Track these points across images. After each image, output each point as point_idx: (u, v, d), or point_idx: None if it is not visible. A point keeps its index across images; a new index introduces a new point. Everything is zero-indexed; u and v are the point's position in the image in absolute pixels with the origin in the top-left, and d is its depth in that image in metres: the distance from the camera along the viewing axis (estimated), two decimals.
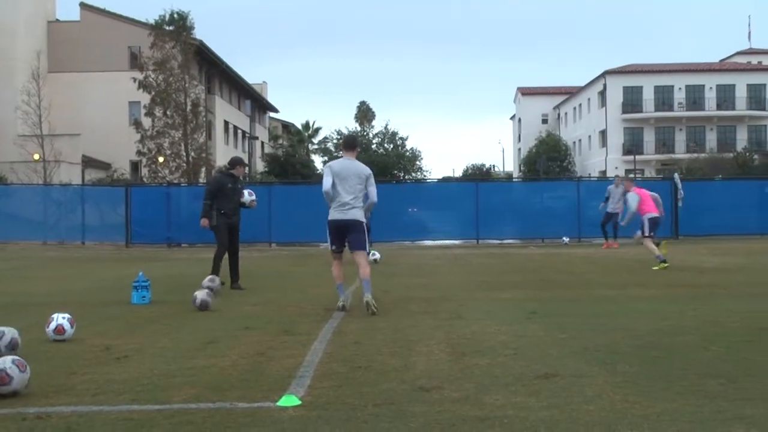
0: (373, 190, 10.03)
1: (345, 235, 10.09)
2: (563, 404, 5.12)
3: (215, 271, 12.79)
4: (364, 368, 6.35)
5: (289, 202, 28.87)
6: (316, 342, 7.59)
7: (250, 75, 76.10)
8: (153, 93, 42.62)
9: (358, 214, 9.97)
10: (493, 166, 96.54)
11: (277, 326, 8.67)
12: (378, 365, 6.48)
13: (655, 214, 15.95)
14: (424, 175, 67.17)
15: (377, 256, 18.49)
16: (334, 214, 9.99)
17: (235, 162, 13.90)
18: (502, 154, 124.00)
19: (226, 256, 13.28)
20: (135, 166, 49.03)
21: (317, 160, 69.23)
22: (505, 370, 6.22)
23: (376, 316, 9.32)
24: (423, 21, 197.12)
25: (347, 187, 9.93)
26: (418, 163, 69.14)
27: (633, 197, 15.99)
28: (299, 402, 5.21)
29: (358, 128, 75.09)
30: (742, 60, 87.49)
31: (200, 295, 10.27)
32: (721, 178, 40.79)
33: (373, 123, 77.75)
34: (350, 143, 10.68)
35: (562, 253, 21.75)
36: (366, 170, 10.11)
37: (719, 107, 75.77)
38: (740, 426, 4.61)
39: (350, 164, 10.17)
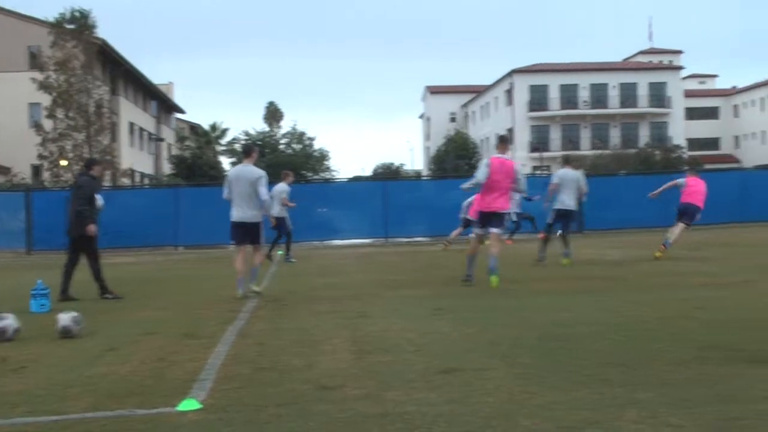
0: (262, 190, 11.24)
1: (245, 233, 11.52)
2: (464, 398, 5.17)
3: (101, 283, 12.01)
4: (268, 369, 6.31)
5: (197, 205, 28.46)
6: (220, 344, 7.50)
7: (155, 75, 74.84)
8: (54, 94, 41.37)
9: (251, 215, 11.37)
10: (402, 164, 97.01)
11: (180, 330, 8.54)
12: (281, 365, 6.45)
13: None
14: (332, 175, 67.06)
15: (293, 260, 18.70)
16: (233, 215, 11.49)
17: (91, 162, 13.16)
18: (411, 153, 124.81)
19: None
20: (36, 170, 47.59)
21: (225, 162, 68.44)
22: (408, 366, 6.25)
23: (283, 317, 9.31)
24: (331, 19, 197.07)
25: (240, 191, 11.30)
26: (326, 162, 69.02)
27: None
28: (200, 406, 5.15)
29: (267, 129, 74.56)
30: (644, 59, 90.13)
31: (63, 320, 8.36)
32: (625, 174, 41.87)
33: (282, 123, 77.37)
34: (245, 150, 12.23)
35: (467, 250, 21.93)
36: (256, 174, 11.32)
37: (622, 105, 77.75)
38: (633, 410, 4.76)
39: (244, 170, 11.50)
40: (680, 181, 17.49)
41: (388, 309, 9.81)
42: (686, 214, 16.91)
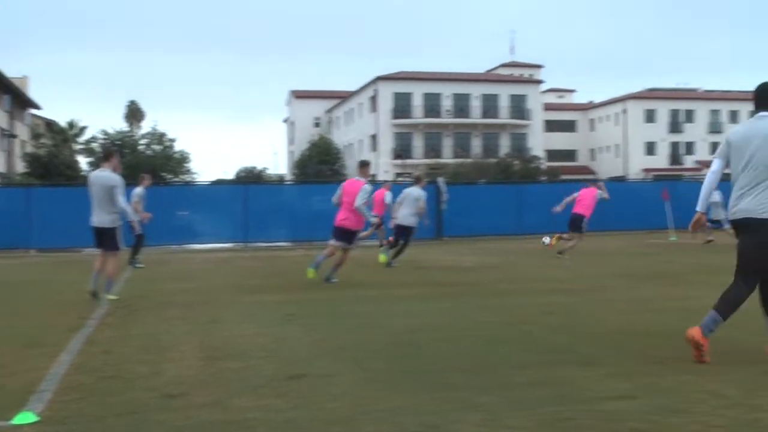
0: (118, 199, 11.20)
1: (100, 238, 11.47)
2: (309, 404, 5.18)
3: None
4: (112, 378, 6.15)
5: (52, 206, 27.41)
6: (64, 353, 7.23)
7: (9, 68, 71.72)
8: None
9: (106, 221, 11.30)
10: (266, 168, 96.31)
11: (22, 338, 8.18)
12: (126, 374, 6.29)
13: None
14: (193, 178, 65.82)
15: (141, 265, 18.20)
16: (91, 220, 11.44)
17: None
18: (275, 157, 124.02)
19: None
20: None
21: (82, 161, 66.16)
22: (256, 372, 6.21)
23: (132, 323, 9.10)
24: (196, 19, 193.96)
25: (97, 196, 11.29)
26: (186, 165, 67.60)
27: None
28: (37, 418, 4.95)
29: (126, 128, 72.56)
30: (506, 72, 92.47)
31: None
32: (485, 182, 42.86)
33: (143, 123, 75.51)
34: (104, 154, 12.47)
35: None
36: (112, 182, 11.23)
37: (484, 115, 79.50)
38: (475, 414, 4.88)
39: (100, 175, 11.42)
40: (575, 194, 19.01)
41: (241, 314, 9.73)
42: (572, 223, 18.77)
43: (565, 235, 19.15)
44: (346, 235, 13.85)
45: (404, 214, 17.84)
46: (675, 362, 6.35)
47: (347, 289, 12.65)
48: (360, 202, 13.61)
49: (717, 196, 21.87)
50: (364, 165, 14.92)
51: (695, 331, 6.40)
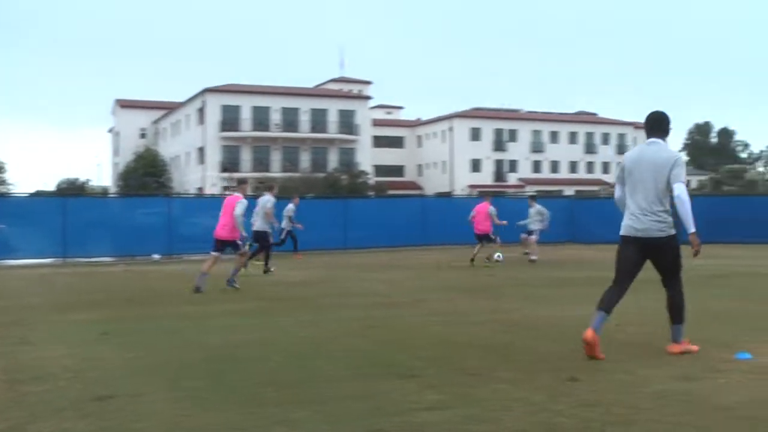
0: None
1: None
2: (115, 426, 4.99)
3: None
4: None
5: None
6: None
7: None
8: None
9: None
10: (89, 180, 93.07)
11: None
12: None
13: None
14: (8, 189, 62.68)
15: None
16: None
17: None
18: (99, 169, 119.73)
19: None
20: None
21: None
22: (60, 395, 5.93)
23: None
24: (11, 17, 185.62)
25: None
26: (2, 175, 64.42)
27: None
28: None
29: None
30: (335, 87, 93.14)
31: None
32: (313, 196, 42.90)
33: None
34: None
35: (151, 270, 21.48)
36: None
37: (313, 130, 79.73)
38: (284, 428, 4.86)
39: None
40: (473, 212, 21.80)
41: (53, 334, 9.29)
42: (477, 237, 21.99)
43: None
44: (227, 244, 15.40)
45: (260, 222, 18.99)
46: (488, 373, 6.52)
47: (166, 306, 12.35)
48: (238, 212, 15.08)
49: (540, 210, 22.98)
50: (242, 182, 16.92)
51: (589, 332, 7.13)
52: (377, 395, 5.75)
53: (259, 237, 19.16)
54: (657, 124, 7.46)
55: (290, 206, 25.50)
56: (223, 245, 15.40)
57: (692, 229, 7.08)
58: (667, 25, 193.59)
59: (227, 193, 52.71)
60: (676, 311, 7.47)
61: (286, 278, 17.67)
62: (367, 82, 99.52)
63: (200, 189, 71.72)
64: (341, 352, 7.69)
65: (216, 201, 37.46)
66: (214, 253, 15.40)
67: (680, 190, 7.06)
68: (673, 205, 7.22)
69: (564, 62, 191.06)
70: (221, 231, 15.36)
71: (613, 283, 7.51)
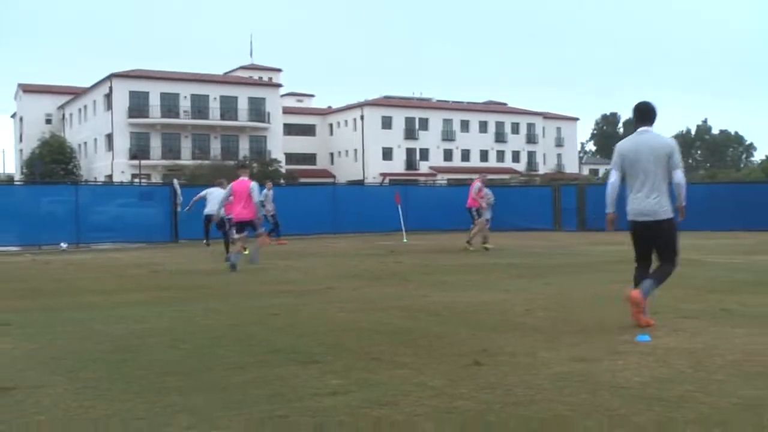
0: None
1: None
2: (15, 418, 4.95)
3: None
4: None
5: None
6: None
7: None
8: None
9: None
10: None
11: None
12: None
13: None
14: None
15: None
16: None
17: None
18: (2, 155, 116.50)
19: None
20: None
21: None
22: None
23: None
24: None
25: None
26: None
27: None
28: None
29: None
30: (245, 74, 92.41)
31: None
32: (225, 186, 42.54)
33: None
34: None
35: (58, 260, 21.08)
36: None
37: (223, 117, 79.07)
38: (186, 416, 4.91)
39: None
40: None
41: None
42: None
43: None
44: (247, 225, 16.38)
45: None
46: (390, 358, 6.68)
47: (71, 295, 12.20)
48: (257, 198, 16.43)
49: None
50: (243, 166, 18.17)
51: (635, 292, 7.79)
52: (278, 381, 5.84)
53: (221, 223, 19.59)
54: (647, 114, 8.11)
55: (266, 192, 25.69)
56: (243, 226, 16.41)
57: (684, 203, 8.00)
58: (577, 19, 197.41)
59: (140, 181, 51.81)
60: (660, 273, 8.05)
61: (195, 267, 17.56)
62: (278, 70, 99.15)
63: (109, 177, 70.43)
64: (243, 339, 7.74)
65: (125, 189, 37.12)
66: (237, 235, 16.59)
67: (680, 176, 7.86)
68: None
69: (474, 52, 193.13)
70: (242, 213, 16.23)
71: (636, 263, 8.24)
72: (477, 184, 22.04)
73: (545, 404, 5.10)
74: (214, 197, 20.47)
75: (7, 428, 4.77)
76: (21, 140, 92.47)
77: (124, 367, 6.43)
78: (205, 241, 24.18)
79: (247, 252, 17.93)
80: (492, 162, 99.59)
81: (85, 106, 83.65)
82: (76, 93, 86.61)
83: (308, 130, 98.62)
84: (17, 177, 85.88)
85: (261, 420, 4.80)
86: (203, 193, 22.30)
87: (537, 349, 6.95)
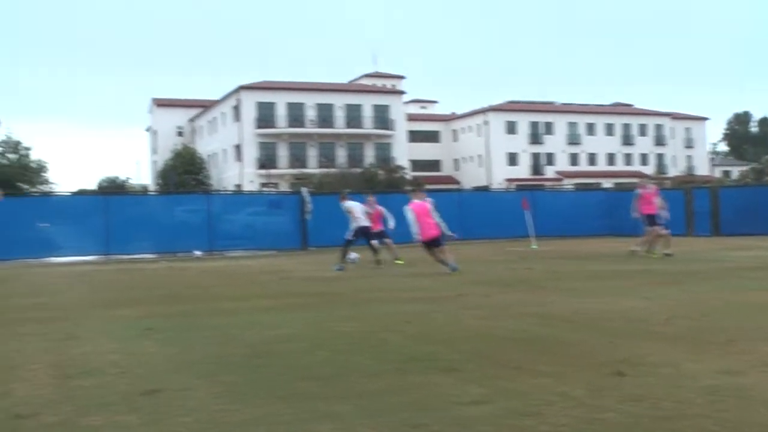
0: None
1: None
2: (163, 419, 5.08)
3: None
4: None
5: None
6: None
7: None
8: None
9: None
10: (128, 178, 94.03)
11: None
12: None
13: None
14: (51, 188, 63.39)
15: None
16: None
17: None
18: (138, 167, 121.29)
19: None
20: None
21: None
22: (109, 389, 6.05)
23: None
24: (51, 23, 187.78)
25: None
26: (44, 174, 65.14)
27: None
28: None
29: None
30: (369, 82, 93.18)
31: None
32: (349, 192, 42.95)
33: None
34: None
35: (193, 267, 21.71)
36: None
37: (348, 125, 79.93)
38: (328, 423, 4.90)
39: None
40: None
41: (98, 330, 9.45)
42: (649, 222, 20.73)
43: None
44: (436, 241, 17.15)
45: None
46: (530, 366, 6.53)
47: (207, 301, 12.51)
48: (437, 218, 17.28)
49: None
50: (419, 185, 19.22)
51: None
52: (417, 389, 5.78)
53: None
54: None
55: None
56: (433, 242, 17.10)
57: None
58: (703, 14, 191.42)
59: (269, 190, 52.95)
60: None
61: (323, 274, 17.75)
62: (401, 77, 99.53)
63: (238, 186, 72.20)
64: (378, 346, 7.73)
65: (254, 198, 37.93)
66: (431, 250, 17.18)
67: None
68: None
69: (599, 52, 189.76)
70: (431, 231, 17.04)
71: None
72: (639, 191, 21.19)
73: (697, 420, 4.84)
74: (358, 210, 20.35)
75: (157, 428, 4.89)
76: (155, 152, 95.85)
77: (263, 372, 6.51)
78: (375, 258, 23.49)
79: (401, 261, 19.74)
80: (619, 165, 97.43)
81: (215, 118, 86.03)
82: (205, 106, 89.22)
83: (432, 137, 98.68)
84: (151, 187, 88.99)
85: (403, 428, 4.74)
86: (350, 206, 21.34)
87: (681, 360, 6.67)
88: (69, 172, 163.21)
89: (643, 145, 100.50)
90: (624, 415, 4.95)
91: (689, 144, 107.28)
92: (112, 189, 73.80)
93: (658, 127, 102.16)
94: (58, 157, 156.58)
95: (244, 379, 6.27)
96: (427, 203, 17.28)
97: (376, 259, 19.59)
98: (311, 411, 5.18)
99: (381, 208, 20.81)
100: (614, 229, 33.60)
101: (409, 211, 17.26)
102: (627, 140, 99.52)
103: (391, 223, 20.43)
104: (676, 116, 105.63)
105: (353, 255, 20.57)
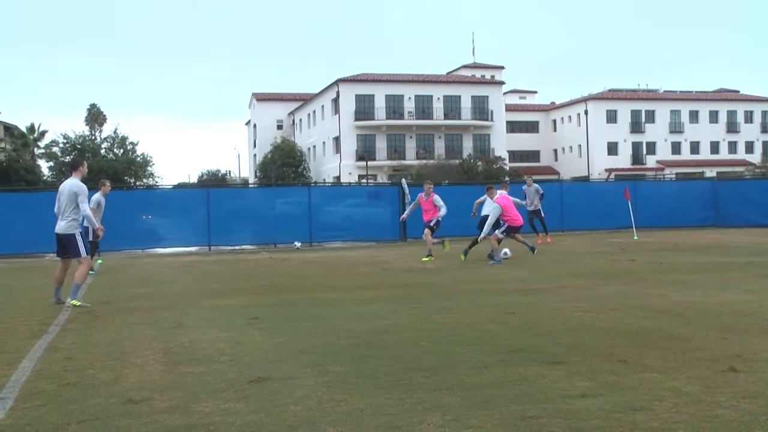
0: (83, 206, 11.57)
1: (61, 245, 11.75)
2: (271, 407, 5.17)
3: None
4: (73, 384, 6.09)
5: (12, 211, 27.01)
6: (26, 360, 7.17)
7: None
8: None
9: (68, 228, 11.56)
10: (229, 171, 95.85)
11: None
12: (88, 380, 6.24)
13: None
14: (156, 181, 64.96)
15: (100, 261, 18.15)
16: (56, 227, 11.72)
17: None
18: (238, 160, 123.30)
19: None
20: None
21: (43, 166, 65.38)
22: (218, 376, 6.19)
23: (94, 329, 9.01)
24: (155, 20, 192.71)
25: (61, 204, 11.65)
26: (149, 168, 66.81)
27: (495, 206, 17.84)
28: None
29: (87, 132, 71.65)
30: (467, 73, 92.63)
31: None
32: (448, 183, 42.91)
33: (104, 127, 74.63)
34: (72, 164, 12.53)
35: (293, 258, 21.99)
36: (76, 188, 11.58)
37: (446, 117, 79.69)
38: (436, 414, 4.90)
39: (68, 184, 11.73)
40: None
41: (204, 319, 9.67)
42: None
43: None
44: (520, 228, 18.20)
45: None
46: (636, 360, 6.41)
47: (309, 292, 12.65)
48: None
49: None
50: (491, 187, 19.46)
51: None
52: (524, 381, 5.74)
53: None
54: None
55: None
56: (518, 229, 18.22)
57: None
58: None
59: (367, 182, 53.12)
60: None
61: (423, 265, 17.72)
62: (500, 67, 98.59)
63: (337, 178, 72.80)
64: (482, 338, 7.70)
65: (353, 190, 38.15)
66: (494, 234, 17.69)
67: None
68: None
69: (702, 36, 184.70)
70: (519, 221, 18.09)
71: None
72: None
73: None
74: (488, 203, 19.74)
75: (266, 416, 4.97)
76: (255, 146, 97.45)
77: (369, 363, 6.55)
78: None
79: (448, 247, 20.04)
80: (723, 154, 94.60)
81: (314, 111, 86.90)
82: (304, 99, 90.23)
83: (531, 127, 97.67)
84: (252, 180, 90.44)
85: (513, 421, 4.71)
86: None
87: None
88: (173, 166, 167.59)
89: (749, 132, 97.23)
90: (740, 413, 4.82)
91: None
92: (214, 182, 75.23)
93: (765, 113, 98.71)
94: (163, 152, 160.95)
95: (351, 369, 6.33)
96: (506, 196, 18.05)
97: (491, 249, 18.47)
98: (418, 402, 5.19)
99: (436, 197, 20.14)
100: (718, 221, 32.70)
101: (496, 207, 17.79)
102: (732, 128, 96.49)
103: (443, 212, 19.74)
104: None
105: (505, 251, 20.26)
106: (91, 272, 17.98)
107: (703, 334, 7.63)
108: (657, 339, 7.39)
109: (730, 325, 8.12)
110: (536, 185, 26.04)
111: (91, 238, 16.02)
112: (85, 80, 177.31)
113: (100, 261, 18.93)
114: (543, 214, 25.57)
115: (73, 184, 11.65)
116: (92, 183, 16.44)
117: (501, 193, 18.64)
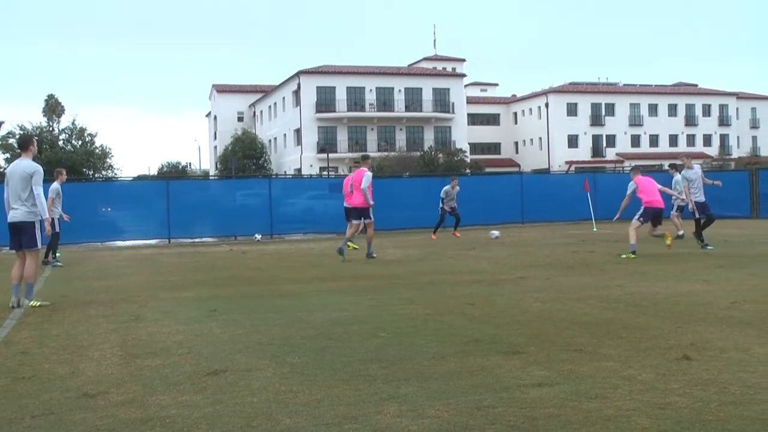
0: (36, 189, 10.28)
1: (17, 235, 10.45)
2: (228, 399, 5.16)
3: None
4: (28, 379, 6.02)
5: None
6: None
7: None
8: None
9: (20, 215, 10.33)
10: (190, 164, 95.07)
11: None
12: (44, 374, 6.17)
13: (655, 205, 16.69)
14: (115, 173, 64.31)
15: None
16: (8, 216, 10.45)
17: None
18: (199, 152, 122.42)
19: None
20: None
21: (0, 157, 64.51)
22: (175, 369, 6.15)
23: (51, 323, 8.89)
24: (113, 10, 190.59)
25: (12, 189, 10.36)
26: (108, 160, 66.08)
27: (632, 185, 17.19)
28: None
29: (45, 123, 70.62)
30: (429, 65, 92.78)
31: None
32: (408, 176, 43.01)
33: (62, 118, 73.63)
34: (22, 143, 11.41)
35: (254, 250, 21.91)
36: (29, 168, 10.30)
37: (408, 109, 79.74)
38: (394, 404, 4.92)
39: (19, 165, 10.45)
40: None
41: (162, 311, 9.60)
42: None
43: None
44: (360, 212, 17.06)
45: None
46: (593, 350, 6.48)
47: (269, 284, 12.63)
48: (365, 185, 16.71)
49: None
50: (365, 158, 18.21)
51: None
52: (481, 371, 5.78)
53: None
54: None
55: (447, 188, 25.43)
56: (359, 212, 17.07)
57: None
58: None
59: (328, 174, 53.14)
60: None
61: (383, 257, 17.75)
62: (461, 60, 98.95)
63: (298, 170, 72.60)
64: (441, 329, 7.74)
65: (314, 182, 38.10)
66: (355, 222, 17.24)
67: None
68: None
69: (661, 30, 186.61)
70: (354, 201, 17.06)
71: None
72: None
73: (767, 405, 4.77)
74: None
75: (223, 408, 4.96)
76: (215, 138, 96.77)
77: (327, 354, 6.56)
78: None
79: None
80: (682, 147, 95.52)
81: (275, 103, 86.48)
82: (265, 91, 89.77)
83: (492, 120, 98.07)
84: (212, 172, 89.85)
85: (469, 410, 4.74)
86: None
87: (750, 345, 6.56)
88: (133, 158, 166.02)
89: (707, 125, 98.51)
90: (692, 400, 4.89)
91: (755, 124, 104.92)
92: (174, 174, 74.62)
93: (723, 107, 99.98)
94: (123, 143, 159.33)
95: (309, 360, 6.33)
96: (364, 172, 16.91)
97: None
98: (376, 392, 5.21)
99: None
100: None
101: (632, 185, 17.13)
102: (690, 121, 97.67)
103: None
104: (741, 96, 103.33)
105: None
106: (58, 264, 17.83)
107: (659, 323, 7.73)
108: (614, 329, 7.47)
109: (686, 315, 8.24)
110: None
111: (55, 230, 15.84)
112: (42, 70, 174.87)
113: (59, 254, 18.68)
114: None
115: (26, 165, 10.36)
116: (49, 175, 16.16)
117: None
